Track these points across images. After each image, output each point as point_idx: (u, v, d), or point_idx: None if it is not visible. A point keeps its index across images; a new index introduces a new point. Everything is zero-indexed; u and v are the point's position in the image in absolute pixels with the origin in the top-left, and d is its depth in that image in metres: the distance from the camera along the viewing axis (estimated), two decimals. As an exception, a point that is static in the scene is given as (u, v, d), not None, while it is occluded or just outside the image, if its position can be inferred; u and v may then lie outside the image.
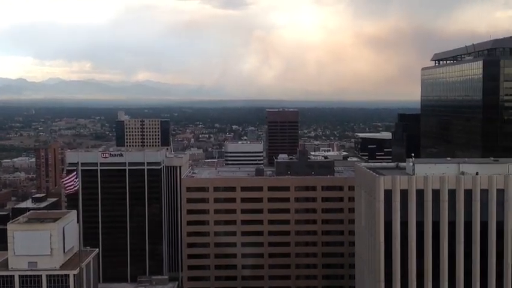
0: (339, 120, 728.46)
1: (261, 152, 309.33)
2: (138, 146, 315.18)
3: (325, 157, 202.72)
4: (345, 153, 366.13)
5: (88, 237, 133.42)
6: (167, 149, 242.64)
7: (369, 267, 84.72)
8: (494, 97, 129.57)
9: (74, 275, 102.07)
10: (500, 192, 77.23)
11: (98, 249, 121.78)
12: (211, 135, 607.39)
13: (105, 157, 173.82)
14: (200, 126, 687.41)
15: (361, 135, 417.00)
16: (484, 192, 77.24)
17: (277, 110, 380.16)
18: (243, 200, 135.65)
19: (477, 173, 79.32)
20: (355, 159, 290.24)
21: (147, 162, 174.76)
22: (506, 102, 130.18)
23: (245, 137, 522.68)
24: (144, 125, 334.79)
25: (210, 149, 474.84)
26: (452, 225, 77.56)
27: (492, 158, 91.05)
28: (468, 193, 77.23)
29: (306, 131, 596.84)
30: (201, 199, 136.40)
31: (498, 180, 77.46)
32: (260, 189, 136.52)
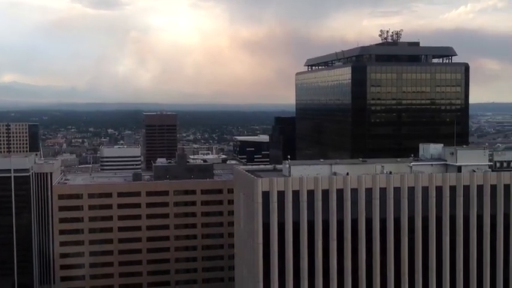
0: (218, 124, 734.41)
1: (139, 157, 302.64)
2: (4, 152, 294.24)
3: (204, 160, 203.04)
4: (224, 156, 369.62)
5: None
6: (36, 154, 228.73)
7: (248, 268, 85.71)
8: (362, 101, 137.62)
9: None
10: (368, 191, 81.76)
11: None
12: (85, 140, 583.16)
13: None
14: (73, 130, 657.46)
15: (239, 138, 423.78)
16: (354, 192, 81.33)
17: (155, 113, 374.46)
18: (120, 206, 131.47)
19: (347, 174, 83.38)
20: (234, 162, 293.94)
21: (14, 169, 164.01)
22: (372, 106, 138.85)
23: (122, 141, 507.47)
24: (10, 129, 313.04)
25: (84, 154, 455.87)
26: (325, 224, 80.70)
27: (361, 159, 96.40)
28: (340, 193, 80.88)
29: (184, 135, 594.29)
30: (74, 207, 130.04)
31: (366, 180, 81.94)
32: (138, 194, 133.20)
